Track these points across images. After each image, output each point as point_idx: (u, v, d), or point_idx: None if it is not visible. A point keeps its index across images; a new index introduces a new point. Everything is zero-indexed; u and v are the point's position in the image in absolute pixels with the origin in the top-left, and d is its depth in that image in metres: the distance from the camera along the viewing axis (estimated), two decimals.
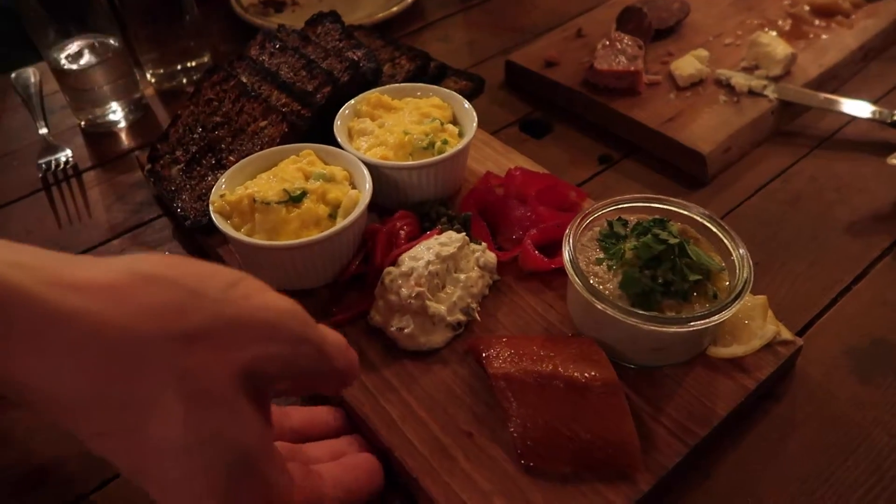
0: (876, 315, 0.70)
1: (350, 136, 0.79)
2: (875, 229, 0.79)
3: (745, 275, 0.59)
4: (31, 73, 1.04)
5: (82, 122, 0.99)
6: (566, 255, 0.62)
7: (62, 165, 0.93)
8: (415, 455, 0.56)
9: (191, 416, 0.34)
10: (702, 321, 0.57)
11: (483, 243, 0.70)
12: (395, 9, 1.14)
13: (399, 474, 0.58)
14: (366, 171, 0.71)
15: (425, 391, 0.61)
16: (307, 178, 0.71)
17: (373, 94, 0.82)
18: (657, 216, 0.65)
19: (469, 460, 0.56)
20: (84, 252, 0.82)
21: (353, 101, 0.81)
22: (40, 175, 0.92)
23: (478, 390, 0.61)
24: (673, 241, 0.60)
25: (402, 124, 0.78)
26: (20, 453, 0.63)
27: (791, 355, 0.63)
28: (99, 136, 0.98)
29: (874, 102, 0.91)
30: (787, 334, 0.64)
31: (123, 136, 0.99)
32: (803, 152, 0.89)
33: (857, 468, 0.58)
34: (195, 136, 0.84)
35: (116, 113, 0.98)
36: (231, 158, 0.80)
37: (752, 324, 0.63)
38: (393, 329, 0.64)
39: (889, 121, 0.86)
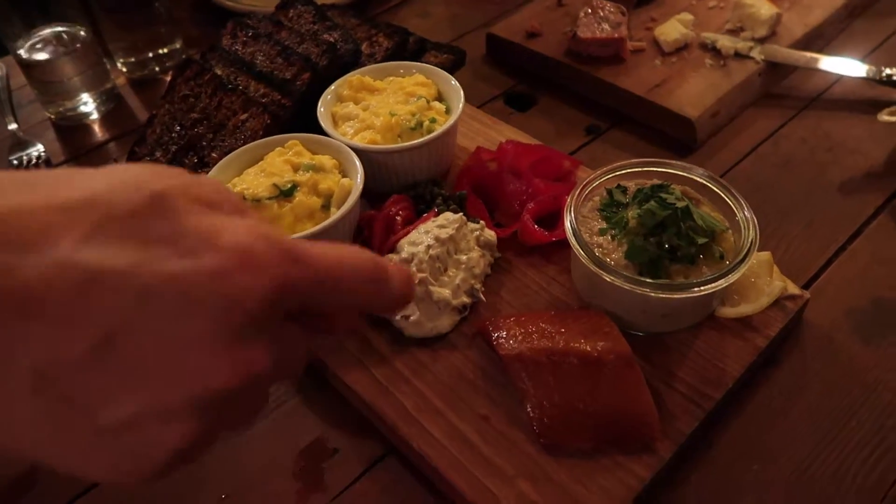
0: (874, 274, 0.71)
1: (335, 121, 0.77)
2: (868, 187, 0.79)
3: (751, 235, 0.59)
4: None
5: (53, 116, 0.95)
6: (569, 228, 0.61)
7: (34, 160, 0.89)
8: (434, 445, 0.55)
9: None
10: (712, 284, 0.56)
11: (481, 221, 0.69)
12: None
13: (420, 467, 0.57)
14: (355, 158, 0.69)
15: (437, 378, 0.60)
16: (296, 169, 0.69)
17: (354, 77, 0.79)
18: (657, 181, 0.64)
19: (488, 445, 0.55)
20: None
21: (333, 86, 0.79)
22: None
23: (490, 372, 0.60)
24: (680, 204, 0.59)
25: (387, 105, 0.76)
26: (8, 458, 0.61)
27: (799, 310, 0.63)
28: (71, 129, 0.95)
29: (861, 60, 0.91)
30: (793, 289, 0.64)
31: (97, 127, 0.95)
32: (792, 113, 0.89)
33: (861, 429, 0.59)
34: (174, 135, 0.80)
35: (88, 105, 0.94)
36: (214, 155, 0.77)
37: (758, 281, 0.63)
38: (398, 318, 0.62)
39: (878, 78, 0.86)
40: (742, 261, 0.57)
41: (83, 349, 0.24)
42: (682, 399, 0.57)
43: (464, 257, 0.65)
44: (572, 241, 0.60)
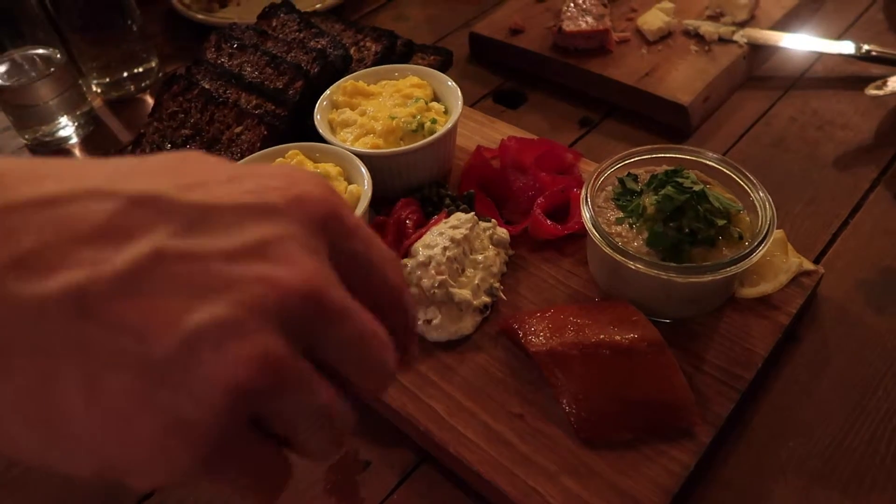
0: (879, 245, 0.72)
1: (332, 129, 0.75)
2: (862, 161, 0.81)
3: (769, 213, 0.59)
4: None
5: (29, 142, 0.91)
6: (588, 219, 0.60)
7: None
8: (471, 448, 0.54)
9: None
10: (736, 265, 0.56)
11: (493, 220, 0.68)
12: None
13: (457, 472, 0.56)
14: (360, 164, 0.68)
15: (465, 380, 0.59)
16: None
17: (347, 82, 0.78)
18: (668, 166, 0.64)
19: (526, 443, 0.54)
20: None
21: (328, 93, 0.77)
22: None
23: (518, 370, 0.59)
24: (696, 187, 0.59)
25: (385, 109, 0.74)
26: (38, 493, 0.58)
27: (815, 286, 0.64)
28: (50, 154, 0.91)
29: (837, 38, 0.93)
30: (808, 265, 0.64)
31: (77, 151, 0.92)
32: (779, 94, 0.90)
33: (888, 398, 0.59)
34: None
35: (67, 128, 0.90)
36: None
37: (775, 260, 0.63)
38: (420, 322, 0.61)
39: (858, 54, 0.88)
40: (764, 239, 0.57)
41: (126, 265, 0.22)
42: (715, 382, 0.57)
43: (480, 257, 0.64)
44: (593, 232, 0.59)
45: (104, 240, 0.22)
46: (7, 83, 0.84)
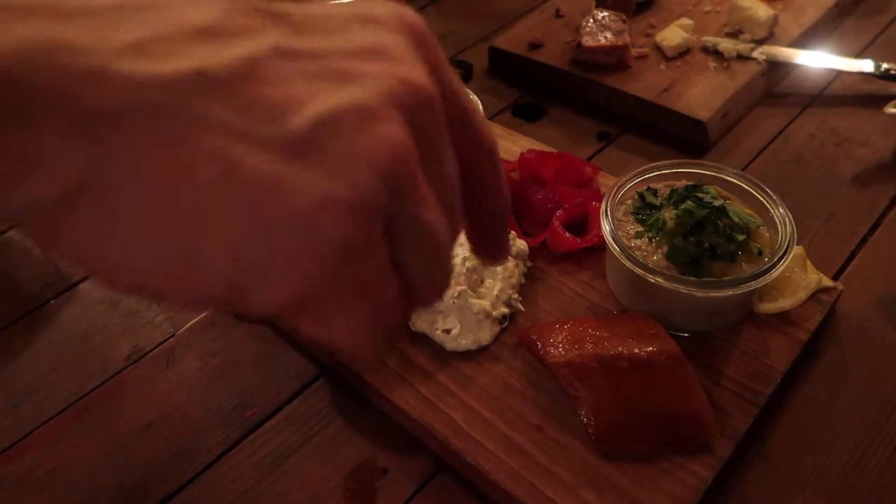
0: None
1: None
2: (881, 178, 0.81)
3: (789, 229, 0.59)
4: None
5: None
6: (607, 232, 0.61)
7: None
8: (489, 457, 0.55)
9: None
10: (755, 280, 0.57)
11: (511, 231, 0.69)
12: None
13: (475, 481, 0.56)
14: None
15: (484, 390, 0.59)
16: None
17: None
18: (688, 181, 0.65)
19: (545, 454, 0.55)
20: (80, 282, 0.77)
21: None
22: None
23: (536, 381, 0.60)
24: (717, 202, 0.59)
25: None
26: (58, 494, 0.59)
27: (833, 302, 0.64)
28: None
29: (856, 57, 0.93)
30: (827, 281, 0.64)
31: None
32: (797, 111, 0.91)
33: None
34: None
35: None
36: None
37: (794, 276, 0.64)
38: (438, 332, 0.62)
39: (877, 72, 0.88)
40: (784, 255, 0.57)
41: (243, 54, 0.21)
42: (734, 396, 0.57)
43: (499, 268, 0.65)
44: (612, 245, 0.60)
45: (212, 38, 0.21)
46: None
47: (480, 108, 0.78)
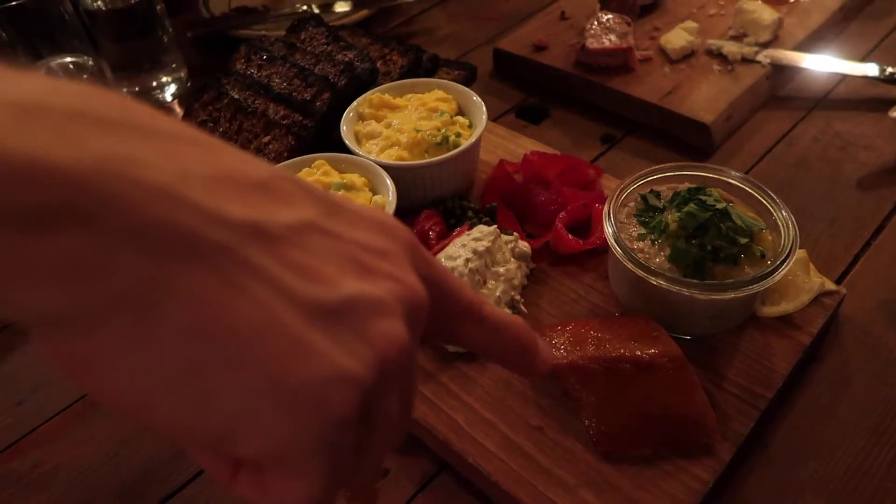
0: None
1: (358, 140, 0.76)
2: (884, 182, 0.81)
3: (792, 232, 0.59)
4: None
5: None
6: (610, 234, 0.61)
7: None
8: (490, 459, 0.55)
9: None
10: (758, 283, 0.56)
11: (514, 233, 0.69)
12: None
13: (476, 482, 0.56)
14: (385, 175, 0.69)
15: (485, 391, 0.59)
16: (326, 189, 0.68)
17: (374, 95, 0.79)
18: (691, 184, 0.65)
19: (546, 455, 0.55)
20: None
21: (354, 105, 0.78)
22: None
23: (538, 383, 0.60)
24: (719, 205, 0.59)
25: (410, 122, 0.76)
26: (61, 492, 0.59)
27: (836, 306, 0.64)
28: None
29: (861, 61, 0.93)
30: (830, 285, 0.64)
31: None
32: (802, 114, 0.91)
33: None
34: None
35: None
36: None
37: (797, 279, 0.63)
38: None
39: (882, 76, 0.88)
40: (786, 258, 0.57)
41: (292, 219, 0.24)
42: (735, 400, 0.57)
43: (501, 269, 0.65)
44: (615, 247, 0.60)
45: (267, 195, 0.24)
46: None
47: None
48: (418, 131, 0.73)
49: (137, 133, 0.21)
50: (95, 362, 0.22)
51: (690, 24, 0.96)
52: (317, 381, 0.22)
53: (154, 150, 0.21)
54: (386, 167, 0.70)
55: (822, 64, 0.91)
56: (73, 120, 0.20)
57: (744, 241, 0.59)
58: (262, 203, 0.23)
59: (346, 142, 0.74)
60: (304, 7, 1.13)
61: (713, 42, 0.94)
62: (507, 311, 0.64)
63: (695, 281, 0.57)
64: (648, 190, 0.65)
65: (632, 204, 0.65)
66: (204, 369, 0.22)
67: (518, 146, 0.84)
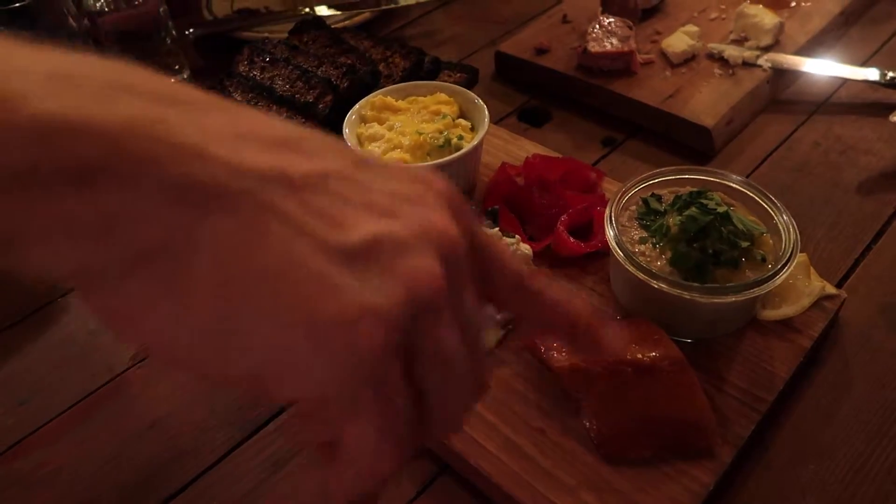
0: None
1: (360, 143, 0.76)
2: (885, 187, 0.81)
3: (793, 236, 0.60)
4: None
5: None
6: (612, 237, 0.61)
7: None
8: (491, 460, 0.55)
9: None
10: (759, 287, 0.57)
11: (516, 236, 0.69)
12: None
13: (477, 484, 0.56)
14: None
15: (488, 393, 0.59)
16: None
17: (376, 98, 0.79)
18: (692, 187, 0.65)
19: (547, 457, 0.55)
20: None
21: (357, 107, 0.79)
22: None
23: (540, 385, 0.60)
24: (721, 209, 0.59)
25: (412, 124, 0.76)
26: (62, 492, 0.59)
27: (837, 310, 0.64)
28: None
29: (862, 65, 0.94)
30: (831, 289, 0.65)
31: None
32: (802, 119, 0.91)
33: None
34: None
35: None
36: None
37: (797, 283, 0.64)
38: None
39: (883, 81, 0.88)
40: (787, 262, 0.58)
41: (311, 169, 0.24)
42: (736, 403, 0.57)
43: None
44: (616, 250, 0.60)
45: (290, 150, 0.24)
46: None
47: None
48: (420, 134, 0.73)
49: (163, 99, 0.22)
50: (135, 315, 0.23)
51: (692, 27, 0.97)
52: (344, 317, 0.23)
53: (179, 113, 0.22)
54: None
55: (823, 68, 0.92)
56: (103, 86, 0.21)
57: (745, 244, 0.59)
58: (285, 155, 0.24)
59: (349, 144, 0.74)
60: (307, 9, 1.13)
61: (714, 46, 0.95)
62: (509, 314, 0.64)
63: (696, 284, 0.57)
64: (650, 193, 0.66)
65: (633, 207, 0.65)
66: (233, 315, 0.22)
67: (520, 149, 0.84)
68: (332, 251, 0.23)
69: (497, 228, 0.68)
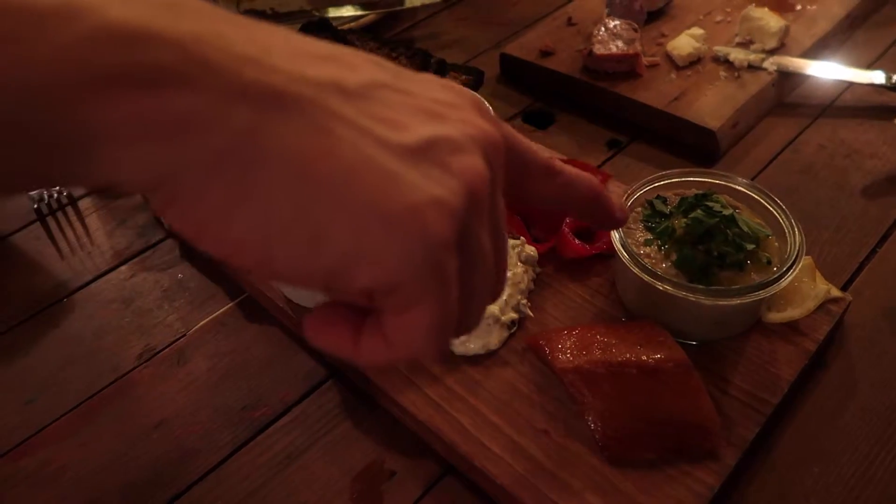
0: None
1: None
2: (890, 190, 0.81)
3: (798, 239, 0.60)
4: None
5: None
6: (617, 239, 0.61)
7: (55, 194, 0.88)
8: (496, 461, 0.55)
9: None
10: (764, 289, 0.57)
11: (521, 237, 0.69)
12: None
13: (481, 485, 0.56)
14: None
15: (491, 394, 0.60)
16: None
17: None
18: (697, 190, 0.65)
19: (551, 459, 0.55)
20: (93, 281, 0.78)
21: None
22: (34, 206, 0.87)
23: (544, 386, 0.60)
24: (726, 211, 0.60)
25: None
26: (68, 491, 0.59)
27: (842, 313, 0.64)
28: None
29: (867, 69, 0.94)
30: (836, 292, 0.65)
31: None
32: (808, 122, 0.91)
33: None
34: None
35: None
36: None
37: (803, 286, 0.64)
38: None
39: (889, 84, 0.88)
40: (793, 265, 0.58)
41: (361, 79, 0.26)
42: (741, 405, 0.57)
43: (508, 273, 0.65)
44: (621, 252, 0.60)
45: (338, 64, 0.26)
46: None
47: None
48: None
49: (220, 18, 0.24)
50: (217, 223, 0.24)
51: (697, 30, 0.97)
52: (415, 206, 0.24)
53: (237, 30, 0.24)
54: None
55: (829, 71, 0.92)
56: (164, 6, 0.23)
57: (750, 247, 0.59)
58: (336, 68, 0.26)
59: None
60: (316, 11, 1.14)
61: (720, 49, 0.95)
62: (514, 315, 0.64)
63: (701, 286, 0.57)
64: (655, 196, 0.66)
65: (638, 209, 0.65)
66: (310, 211, 0.24)
67: None
68: (395, 149, 0.25)
69: None
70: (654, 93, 0.91)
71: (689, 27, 0.99)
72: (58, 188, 0.88)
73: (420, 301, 0.26)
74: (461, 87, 0.30)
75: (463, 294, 0.27)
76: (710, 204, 0.61)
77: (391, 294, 0.25)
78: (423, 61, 0.90)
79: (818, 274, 0.65)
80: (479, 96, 0.31)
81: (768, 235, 0.62)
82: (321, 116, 0.24)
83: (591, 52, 0.94)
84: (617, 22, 0.97)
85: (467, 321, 0.30)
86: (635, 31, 0.96)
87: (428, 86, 0.29)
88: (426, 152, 0.26)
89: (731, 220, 0.60)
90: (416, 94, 0.27)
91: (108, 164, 0.22)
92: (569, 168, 0.35)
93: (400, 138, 0.25)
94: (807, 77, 0.94)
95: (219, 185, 0.23)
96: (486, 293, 0.30)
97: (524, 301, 0.65)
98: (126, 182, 0.23)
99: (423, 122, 0.26)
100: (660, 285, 0.58)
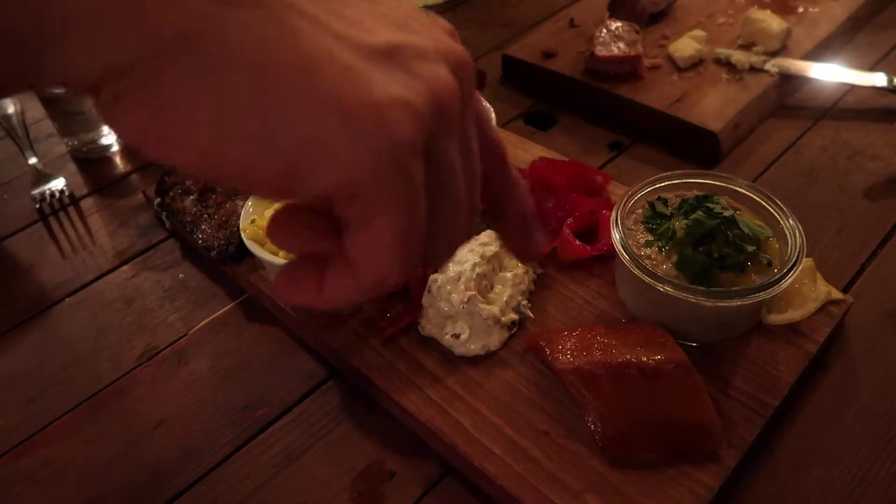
0: None
1: None
2: (892, 192, 0.81)
3: (799, 241, 0.60)
4: (10, 103, 0.99)
5: (71, 148, 0.94)
6: (618, 241, 0.61)
7: (57, 195, 0.88)
8: (496, 462, 0.55)
9: None
10: (765, 291, 0.57)
11: None
12: None
13: (482, 486, 0.56)
14: None
15: (492, 395, 0.60)
16: None
17: None
18: (698, 191, 0.65)
19: (551, 460, 0.55)
20: (94, 281, 0.78)
21: None
22: (36, 206, 0.88)
23: (544, 387, 0.60)
24: (727, 213, 0.60)
25: None
26: (70, 490, 0.60)
27: (843, 315, 0.64)
28: (92, 162, 0.94)
29: (869, 71, 0.93)
30: (837, 294, 0.65)
31: (118, 159, 0.95)
32: (809, 124, 0.91)
33: None
34: None
35: (109, 137, 0.94)
36: None
37: (803, 287, 0.64)
38: (448, 336, 0.62)
39: (891, 87, 0.88)
40: (793, 266, 0.58)
41: None
42: (741, 407, 0.57)
43: (509, 274, 0.65)
44: (622, 253, 0.60)
45: None
46: (61, 91, 0.88)
47: (494, 117, 0.78)
48: None
49: None
50: (163, 114, 0.22)
51: (699, 32, 0.97)
52: (376, 102, 0.23)
53: None
54: None
55: (831, 74, 0.92)
56: None
57: (751, 249, 0.59)
58: None
59: None
60: None
61: (721, 51, 0.95)
62: (514, 316, 0.64)
63: (701, 288, 0.57)
64: (656, 197, 0.66)
65: (639, 211, 0.65)
66: (266, 101, 0.23)
67: (526, 152, 0.84)
68: (357, 47, 0.24)
69: None
70: (656, 94, 0.91)
71: (690, 29, 0.99)
72: (59, 188, 0.88)
73: (384, 210, 0.24)
74: (437, 15, 0.30)
75: (431, 215, 0.26)
76: (711, 205, 0.61)
77: (352, 201, 0.24)
78: None
79: (819, 276, 0.65)
80: (452, 28, 0.30)
81: (769, 237, 0.62)
82: (282, 8, 0.23)
83: (592, 54, 0.94)
84: (619, 24, 0.97)
85: (436, 248, 0.28)
86: (637, 32, 0.96)
87: (401, 3, 0.28)
88: (391, 55, 0.25)
89: (732, 222, 0.60)
90: (387, 5, 0.27)
91: (65, 56, 0.21)
92: (517, 173, 0.34)
93: (363, 37, 0.24)
94: (809, 79, 0.94)
95: (174, 72, 0.22)
96: (458, 224, 0.28)
97: (524, 302, 0.65)
98: (82, 76, 0.22)
99: (390, 30, 0.26)
100: (660, 287, 0.58)
